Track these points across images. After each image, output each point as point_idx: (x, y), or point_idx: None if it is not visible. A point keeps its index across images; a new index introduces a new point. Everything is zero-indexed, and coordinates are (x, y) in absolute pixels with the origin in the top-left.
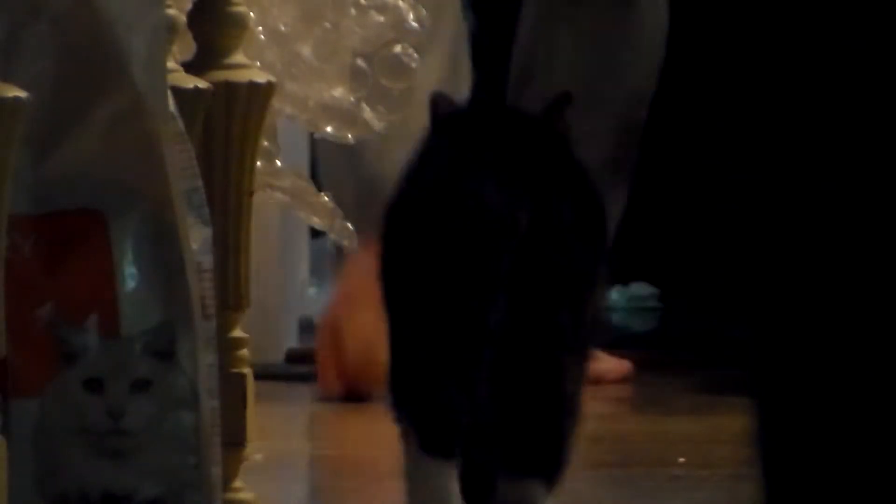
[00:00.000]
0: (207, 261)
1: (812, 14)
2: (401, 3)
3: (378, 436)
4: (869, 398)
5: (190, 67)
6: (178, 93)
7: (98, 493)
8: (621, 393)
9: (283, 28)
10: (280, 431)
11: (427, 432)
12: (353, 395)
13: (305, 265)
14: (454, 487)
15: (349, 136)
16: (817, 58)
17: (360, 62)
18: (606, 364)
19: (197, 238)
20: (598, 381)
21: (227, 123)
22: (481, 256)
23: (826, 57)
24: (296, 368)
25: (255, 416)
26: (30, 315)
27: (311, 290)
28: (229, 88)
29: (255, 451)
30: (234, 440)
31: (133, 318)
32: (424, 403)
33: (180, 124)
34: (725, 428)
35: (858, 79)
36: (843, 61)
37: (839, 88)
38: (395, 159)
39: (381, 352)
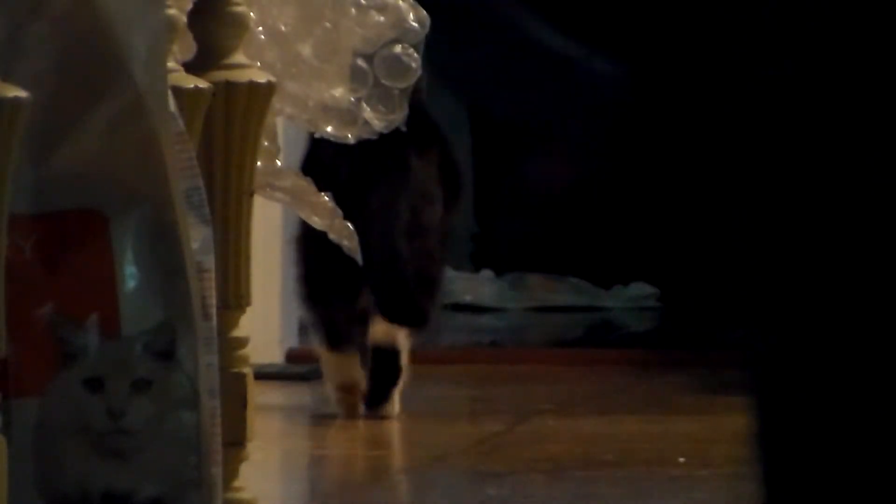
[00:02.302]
0: (207, 261)
1: (812, 14)
2: (401, 3)
3: (378, 436)
4: (869, 398)
5: (190, 67)
6: (179, 93)
7: (98, 493)
8: (621, 393)
9: (283, 28)
10: (280, 431)
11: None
12: None
13: None
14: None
15: (349, 136)
16: (816, 58)
17: (360, 62)
18: None
19: (197, 238)
20: None
21: (227, 123)
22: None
23: (826, 57)
24: (296, 368)
25: (255, 416)
26: (30, 315)
27: None
28: (229, 88)
29: (255, 451)
30: (235, 440)
31: (133, 317)
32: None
33: (180, 124)
34: (725, 428)
35: (858, 79)
36: (842, 61)
37: (839, 88)
38: None
39: None
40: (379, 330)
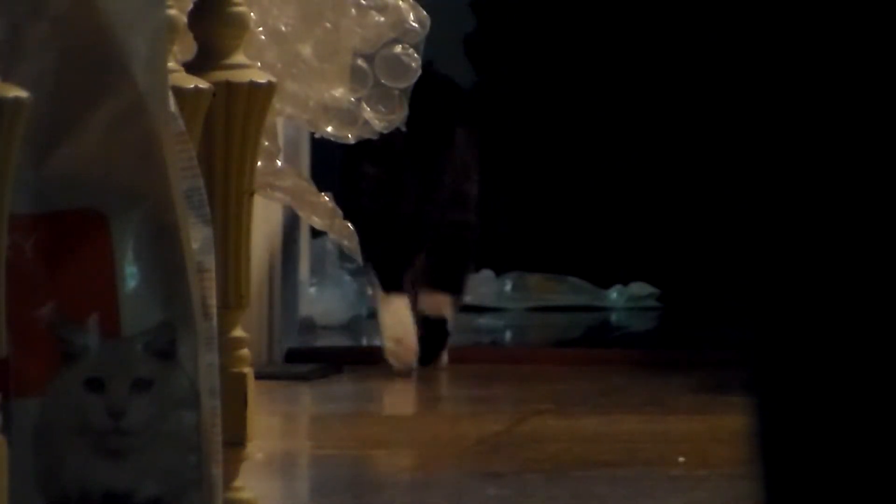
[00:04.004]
0: (208, 260)
1: (810, 13)
2: (401, 3)
3: (378, 436)
4: (869, 398)
5: (190, 67)
6: (179, 93)
7: (99, 493)
8: (621, 393)
9: (283, 28)
10: (280, 431)
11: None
12: None
13: (305, 265)
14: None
15: (349, 136)
16: (816, 57)
17: (360, 62)
18: None
19: (197, 238)
20: None
21: (227, 123)
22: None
23: (825, 56)
24: (296, 368)
25: (256, 416)
26: (30, 315)
27: (311, 290)
28: (229, 88)
29: (255, 451)
30: (235, 439)
31: (134, 317)
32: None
33: (180, 124)
34: (725, 428)
35: (858, 79)
36: (842, 61)
37: (838, 88)
38: None
39: None
40: (427, 302)
